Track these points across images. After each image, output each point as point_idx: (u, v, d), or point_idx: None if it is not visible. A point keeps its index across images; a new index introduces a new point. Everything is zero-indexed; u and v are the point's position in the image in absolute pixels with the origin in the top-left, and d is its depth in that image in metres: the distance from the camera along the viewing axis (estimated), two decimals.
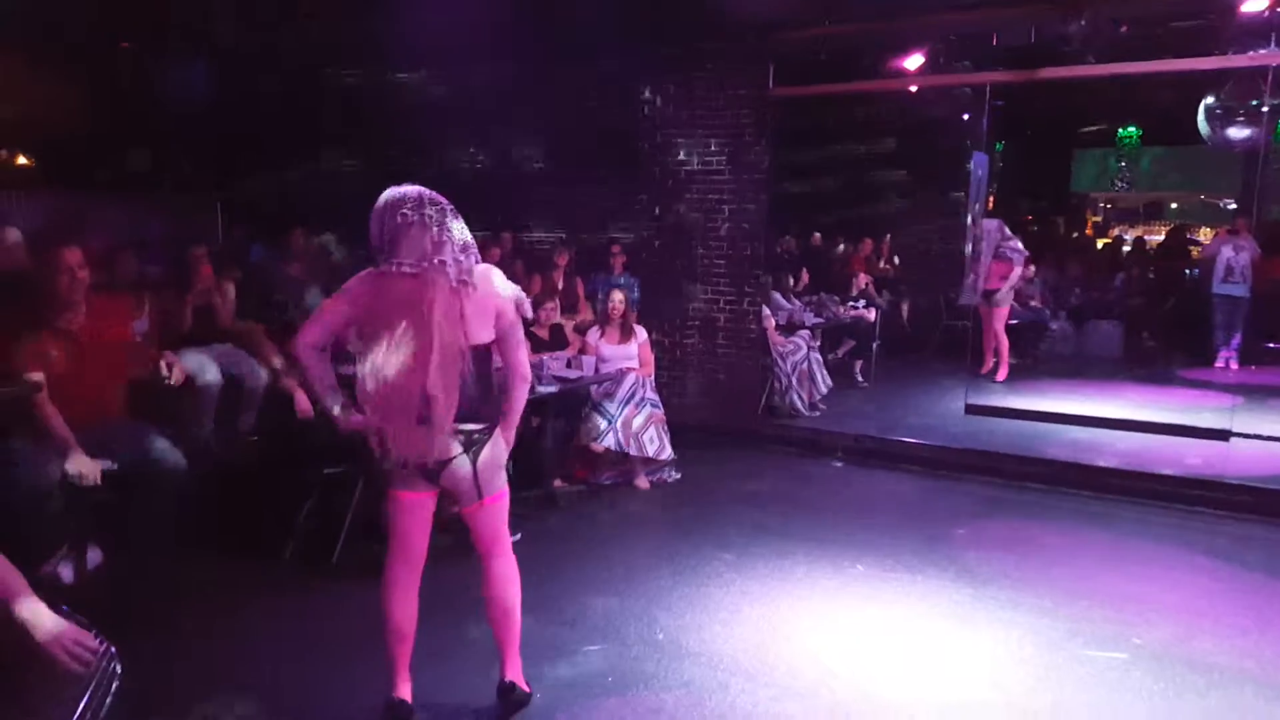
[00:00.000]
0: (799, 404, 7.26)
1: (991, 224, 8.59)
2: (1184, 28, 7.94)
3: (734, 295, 7.20)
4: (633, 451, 5.56)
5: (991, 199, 11.84)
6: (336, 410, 2.83)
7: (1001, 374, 8.61)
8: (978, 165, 8.65)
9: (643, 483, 5.67)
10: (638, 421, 5.59)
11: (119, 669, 1.99)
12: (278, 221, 7.45)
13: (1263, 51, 6.83)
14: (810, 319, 8.21)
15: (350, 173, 9.37)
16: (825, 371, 7.60)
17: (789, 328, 7.90)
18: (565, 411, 5.53)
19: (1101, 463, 5.99)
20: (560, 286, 7.38)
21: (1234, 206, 13.48)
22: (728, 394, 7.24)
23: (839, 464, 6.40)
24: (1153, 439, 6.49)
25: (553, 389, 5.10)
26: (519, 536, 4.62)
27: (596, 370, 5.67)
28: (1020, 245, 8.59)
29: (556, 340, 6.08)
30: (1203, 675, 3.34)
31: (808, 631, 3.71)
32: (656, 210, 7.36)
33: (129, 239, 6.01)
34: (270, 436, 4.81)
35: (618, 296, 5.99)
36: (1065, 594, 4.09)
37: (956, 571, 4.36)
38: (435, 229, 2.67)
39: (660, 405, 5.76)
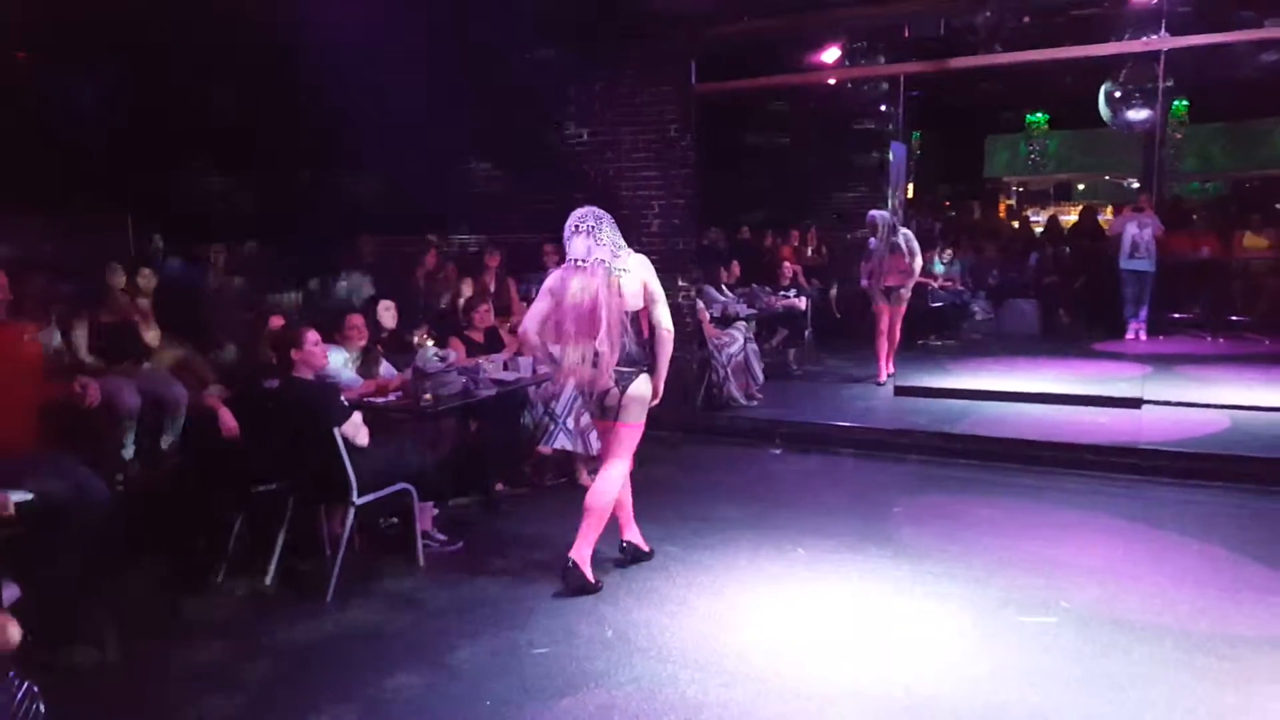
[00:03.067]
0: (737, 395, 7.37)
1: (882, 215, 8.01)
2: (1083, 15, 8.30)
3: (668, 290, 7.22)
4: (581, 450, 5.57)
5: (911, 186, 12.17)
6: (550, 369, 4.17)
7: (884, 375, 8.04)
8: (896, 154, 8.89)
9: (587, 480, 5.67)
10: (584, 420, 5.59)
11: (42, 708, 1.93)
12: (195, 234, 7.25)
13: (1155, 37, 7.18)
14: (744, 310, 8.33)
15: (269, 181, 9.14)
16: (760, 362, 7.73)
17: (724, 320, 8.00)
18: (504, 414, 5.51)
19: (1024, 435, 6.24)
20: (493, 288, 7.34)
21: (1136, 185, 14.11)
22: (667, 388, 7.28)
23: (778, 451, 6.52)
24: (1071, 410, 6.80)
25: (490, 392, 5.07)
26: (460, 545, 4.64)
27: (534, 371, 5.66)
28: (912, 236, 7.96)
29: (492, 343, 6.05)
30: (1126, 633, 3.53)
31: (755, 618, 3.79)
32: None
33: (37, 258, 5.78)
34: (195, 456, 4.69)
35: None
36: (996, 563, 4.26)
37: (894, 548, 4.50)
38: (593, 237, 3.88)
39: None
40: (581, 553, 3.98)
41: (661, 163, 7.12)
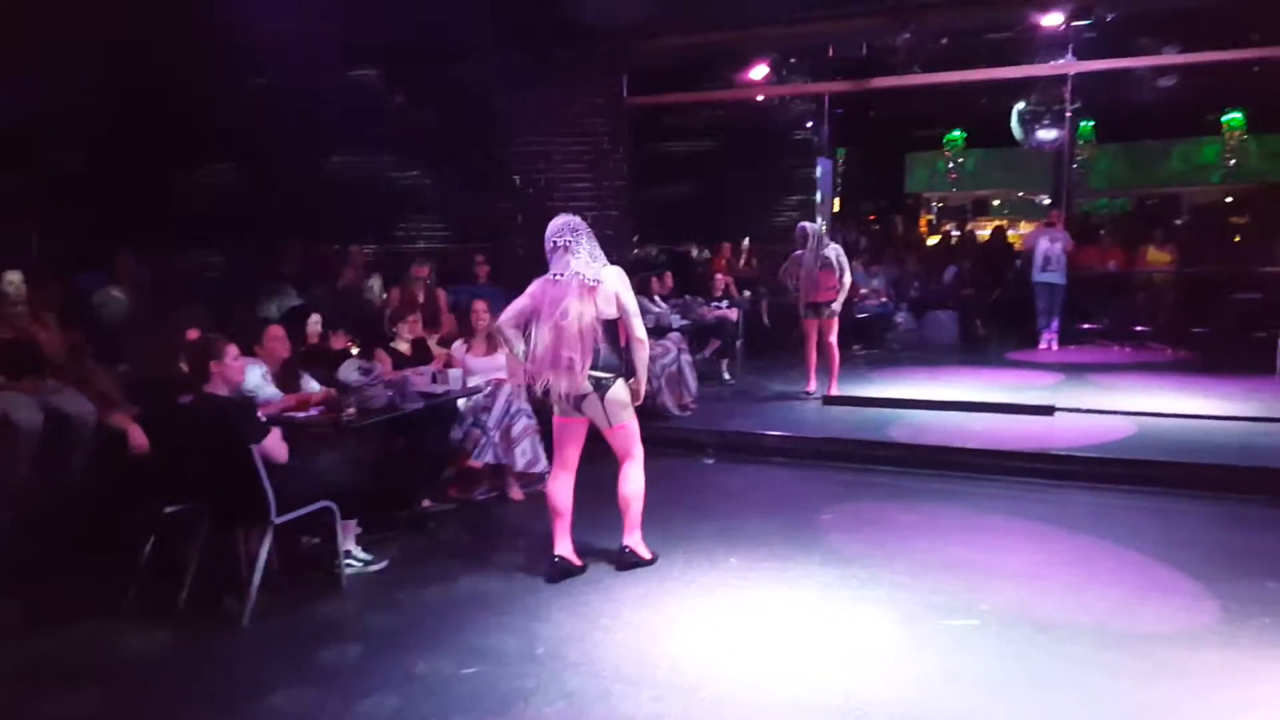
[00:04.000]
0: (670, 405, 7.38)
1: (813, 227, 7.88)
2: (996, 39, 8.65)
3: None
4: (509, 463, 5.51)
5: (837, 201, 12.45)
6: (521, 367, 4.30)
7: (812, 385, 7.97)
8: (822, 170, 9.09)
9: (517, 494, 5.63)
10: (513, 433, 5.54)
11: None
12: (107, 243, 6.93)
13: (1063, 61, 7.51)
14: (677, 321, 8.37)
15: (183, 183, 8.80)
16: (693, 372, 7.76)
17: (657, 331, 8.01)
18: (433, 428, 5.41)
19: (945, 442, 6.41)
20: (421, 299, 7.22)
21: (1048, 202, 14.69)
22: None
23: (710, 461, 6.55)
24: (988, 417, 7.01)
25: (417, 406, 4.98)
26: (385, 564, 4.52)
27: (464, 384, 5.58)
28: (843, 253, 7.85)
29: (420, 355, 5.95)
30: (1044, 633, 3.64)
31: (687, 629, 3.79)
32: (519, 218, 7.33)
33: None
34: (103, 476, 4.47)
35: (482, 306, 5.93)
36: (920, 567, 4.36)
37: (823, 555, 4.56)
38: (570, 252, 4.11)
39: (534, 416, 5.72)
40: (632, 539, 4.42)
41: (594, 174, 7.14)
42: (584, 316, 4.03)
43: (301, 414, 4.66)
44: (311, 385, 5.06)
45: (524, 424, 5.58)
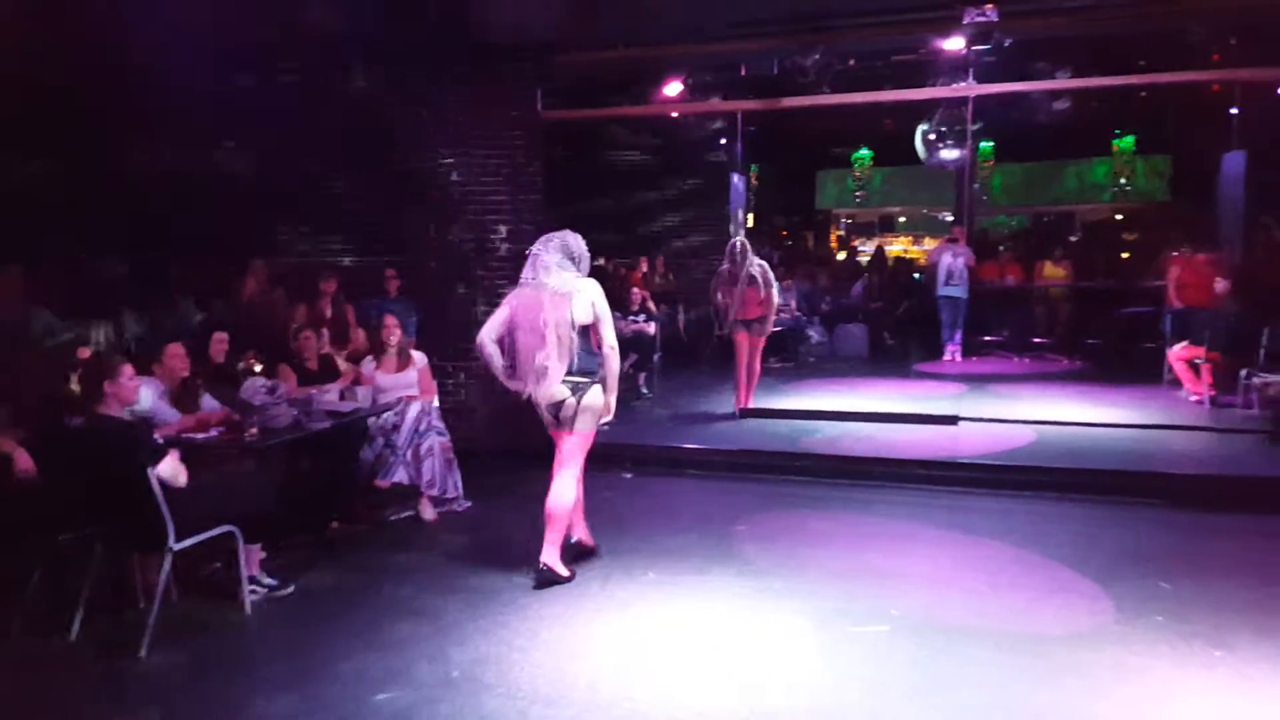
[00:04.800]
0: None
1: (744, 242, 7.78)
2: (901, 62, 8.97)
3: None
4: (420, 483, 5.40)
5: (751, 216, 12.67)
6: (504, 377, 4.33)
7: (746, 402, 7.86)
8: (735, 186, 9.25)
9: (430, 515, 5.51)
10: (424, 451, 5.43)
11: None
12: None
13: (963, 84, 7.83)
14: None
15: (75, 192, 8.36)
16: None
17: None
18: (340, 448, 5.27)
19: (856, 453, 6.58)
20: (329, 314, 7.04)
21: (951, 218, 15.26)
22: (517, 416, 7.18)
23: (629, 475, 6.54)
24: (897, 427, 7.21)
25: (324, 425, 4.84)
26: (292, 589, 4.37)
27: (374, 402, 5.45)
28: (768, 268, 7.75)
29: (327, 372, 5.80)
30: (950, 636, 3.75)
31: (605, 646, 3.76)
32: (432, 231, 7.22)
33: None
34: None
35: (392, 322, 5.81)
36: (833, 575, 4.44)
37: (740, 566, 4.61)
38: (538, 260, 4.24)
39: (446, 433, 5.63)
40: (550, 556, 4.32)
41: (510, 187, 7.08)
42: (559, 323, 4.13)
43: (201, 435, 4.48)
44: (211, 405, 4.87)
45: (436, 442, 5.48)
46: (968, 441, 6.77)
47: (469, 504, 5.69)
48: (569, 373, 4.19)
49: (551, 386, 4.18)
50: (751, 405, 7.88)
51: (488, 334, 4.30)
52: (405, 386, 5.70)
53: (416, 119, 7.16)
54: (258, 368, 5.04)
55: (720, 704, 3.24)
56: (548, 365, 4.15)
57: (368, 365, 5.78)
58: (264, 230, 8.11)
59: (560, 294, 4.16)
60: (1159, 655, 3.54)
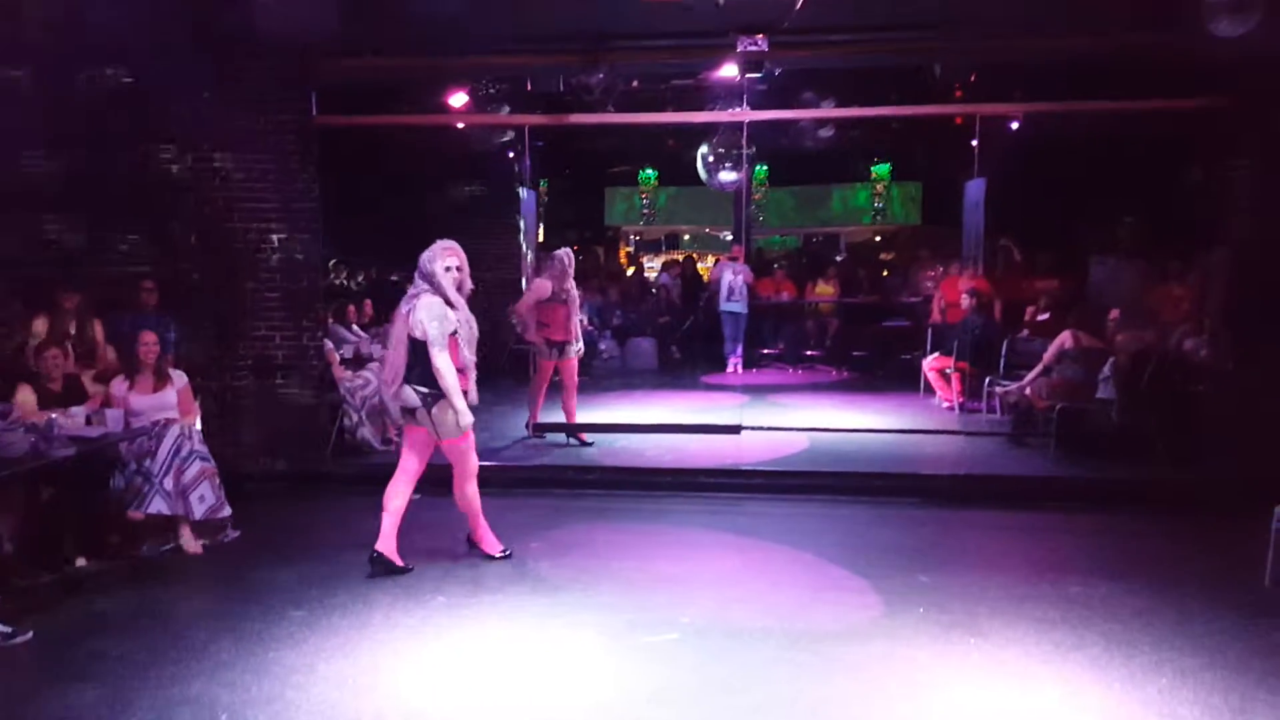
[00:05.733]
0: (371, 439, 7.03)
1: (569, 253, 7.27)
2: (682, 86, 9.32)
3: (292, 330, 6.74)
4: (182, 512, 4.93)
5: (541, 231, 12.68)
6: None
7: (536, 415, 7.48)
8: (526, 200, 9.20)
9: (194, 547, 5.04)
10: (186, 478, 4.96)
11: None
12: None
13: (738, 110, 8.24)
14: (379, 351, 7.99)
15: None
16: None
17: (356, 361, 7.61)
18: (88, 477, 4.71)
19: (647, 464, 6.72)
20: (72, 331, 6.28)
21: (730, 237, 16.03)
22: (291, 437, 6.75)
23: (417, 496, 6.28)
24: (685, 438, 7.44)
25: (68, 452, 4.32)
26: (30, 635, 3.85)
27: (127, 425, 4.93)
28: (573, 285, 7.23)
29: (72, 394, 5.16)
30: (737, 640, 3.88)
31: (392, 676, 3.59)
32: (193, 239, 6.62)
33: None
34: None
35: (149, 338, 5.30)
36: (626, 586, 4.50)
37: (532, 583, 4.55)
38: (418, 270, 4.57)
39: (210, 458, 5.17)
40: (482, 537, 4.93)
41: (281, 194, 6.62)
42: (399, 338, 4.50)
43: None
44: None
45: (198, 467, 5.03)
46: (750, 449, 7.09)
47: (237, 533, 5.26)
48: (417, 383, 4.48)
49: (402, 393, 4.52)
50: (541, 420, 7.63)
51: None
52: (163, 408, 5.20)
53: (174, 120, 6.55)
54: None
55: None
56: (395, 374, 4.53)
57: (119, 385, 5.22)
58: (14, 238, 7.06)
59: (403, 310, 4.50)
60: (921, 645, 3.84)
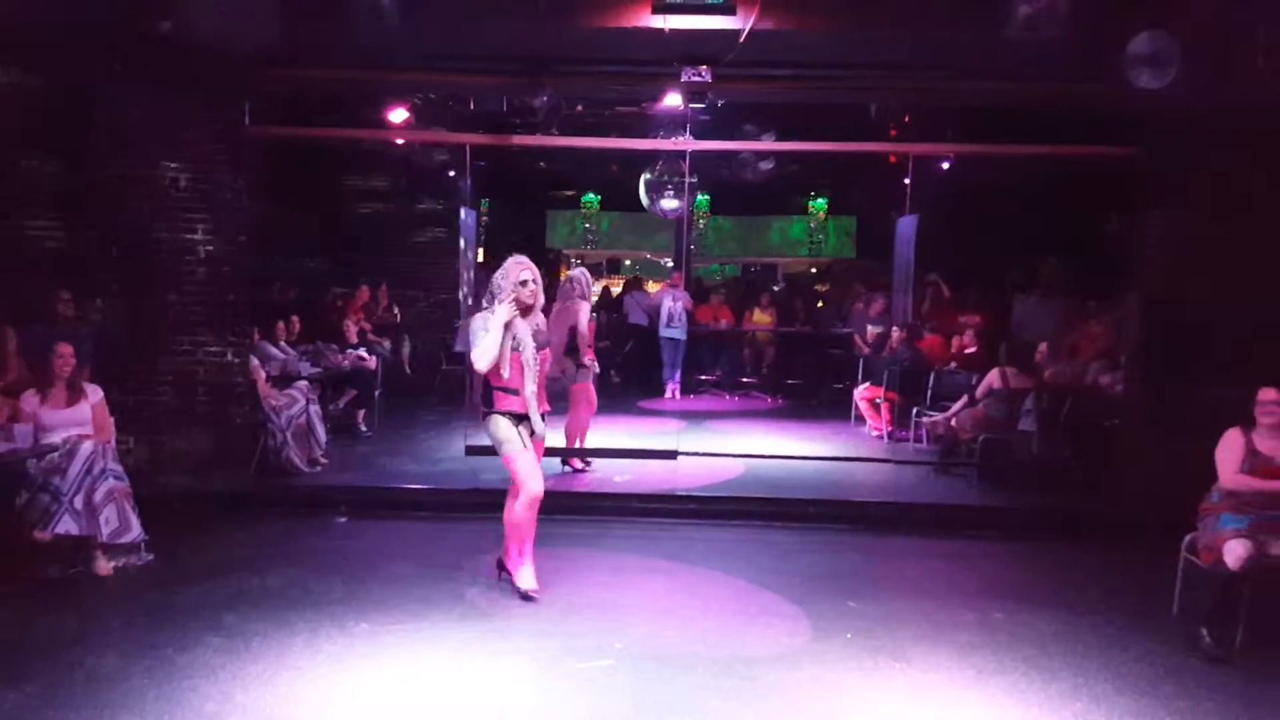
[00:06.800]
0: (297, 461, 6.84)
1: (586, 274, 7.39)
2: (626, 113, 9.40)
3: (216, 346, 6.55)
4: (93, 533, 4.71)
5: (481, 251, 12.59)
6: None
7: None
8: (466, 219, 9.14)
9: (105, 569, 4.82)
10: (97, 497, 4.75)
11: None
12: None
13: (681, 139, 8.34)
14: (307, 369, 7.81)
15: None
16: (324, 424, 7.27)
17: (283, 379, 7.41)
18: None
19: (581, 488, 6.70)
20: None
21: (671, 264, 16.15)
22: (212, 456, 6.53)
23: (343, 519, 6.15)
24: (621, 463, 7.41)
25: None
26: None
27: (36, 441, 4.71)
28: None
29: None
30: (668, 665, 3.86)
31: (310, 707, 3.47)
32: (114, 251, 6.40)
33: None
34: None
35: (65, 350, 5.08)
36: (559, 612, 4.44)
37: (462, 610, 4.46)
38: None
39: (124, 477, 4.96)
40: (513, 564, 4.69)
41: (211, 205, 6.45)
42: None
43: None
44: None
45: (109, 486, 4.82)
46: (686, 475, 7.10)
47: (150, 556, 5.04)
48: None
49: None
50: (474, 443, 7.62)
51: None
52: (76, 423, 4.99)
53: (98, 124, 6.34)
54: None
55: None
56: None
57: (30, 400, 4.99)
58: None
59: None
60: (848, 670, 3.88)
